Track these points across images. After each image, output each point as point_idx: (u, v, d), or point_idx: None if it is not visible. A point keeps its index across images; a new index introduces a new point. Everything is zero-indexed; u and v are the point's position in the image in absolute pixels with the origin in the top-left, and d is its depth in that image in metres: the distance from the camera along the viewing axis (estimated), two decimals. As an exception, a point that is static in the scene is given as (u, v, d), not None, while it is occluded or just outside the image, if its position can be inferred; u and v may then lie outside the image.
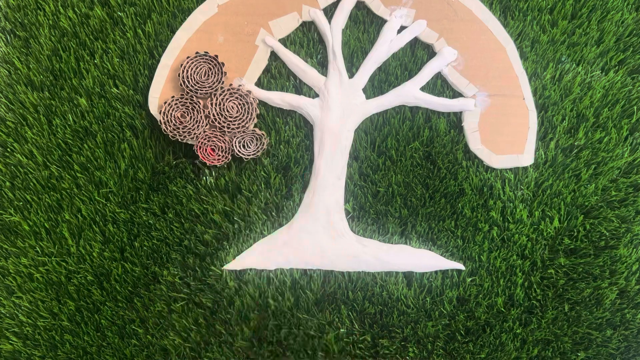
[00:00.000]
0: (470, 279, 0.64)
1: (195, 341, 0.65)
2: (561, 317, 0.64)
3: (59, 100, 0.64)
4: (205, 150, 0.61)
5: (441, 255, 0.64)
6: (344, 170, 0.63)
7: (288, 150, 0.64)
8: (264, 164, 0.64)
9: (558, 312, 0.64)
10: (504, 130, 0.63)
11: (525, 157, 0.63)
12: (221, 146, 0.61)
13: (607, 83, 0.64)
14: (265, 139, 0.62)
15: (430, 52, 0.64)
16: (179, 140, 0.61)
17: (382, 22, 0.64)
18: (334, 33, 0.62)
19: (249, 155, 0.62)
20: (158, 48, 0.64)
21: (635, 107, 0.64)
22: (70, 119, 0.64)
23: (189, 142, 0.62)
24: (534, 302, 0.64)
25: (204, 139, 0.61)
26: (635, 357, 0.64)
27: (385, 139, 0.64)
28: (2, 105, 0.65)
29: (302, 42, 0.64)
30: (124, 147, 0.64)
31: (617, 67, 0.65)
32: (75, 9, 0.65)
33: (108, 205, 0.64)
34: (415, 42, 0.64)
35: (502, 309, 0.64)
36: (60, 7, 0.65)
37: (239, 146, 0.62)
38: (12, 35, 0.65)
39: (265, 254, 0.63)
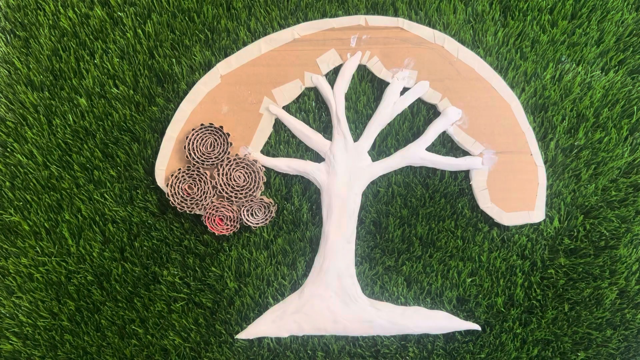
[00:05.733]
0: (470, 279, 0.64)
1: (195, 341, 0.65)
2: (561, 317, 0.64)
3: (59, 100, 0.64)
4: (214, 220, 0.61)
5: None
6: (353, 234, 0.63)
7: (288, 151, 0.64)
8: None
9: (558, 312, 0.64)
10: (513, 187, 0.62)
11: (536, 213, 0.63)
12: (229, 216, 0.61)
13: (607, 83, 0.64)
14: (272, 206, 0.62)
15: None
16: (187, 212, 0.61)
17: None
18: (337, 98, 0.62)
19: (257, 223, 0.62)
20: (158, 48, 0.64)
21: (635, 107, 0.64)
22: (70, 119, 0.64)
23: (197, 213, 0.62)
24: (534, 302, 0.64)
25: (212, 210, 0.61)
26: (635, 357, 0.64)
27: (385, 138, 0.64)
28: (2, 105, 0.65)
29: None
30: (123, 147, 0.64)
31: (617, 67, 0.65)
32: (75, 9, 0.65)
33: (108, 205, 0.64)
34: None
35: (502, 309, 0.64)
36: (60, 7, 0.65)
37: (247, 215, 0.62)
38: (12, 35, 0.65)
39: (277, 322, 0.63)
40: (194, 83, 0.63)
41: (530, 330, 0.64)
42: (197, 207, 0.61)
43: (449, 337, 0.64)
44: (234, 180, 0.61)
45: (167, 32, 0.64)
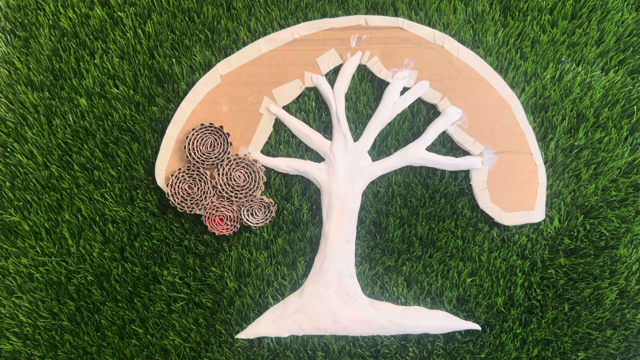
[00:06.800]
0: (470, 279, 0.64)
1: (195, 341, 0.65)
2: (561, 317, 0.64)
3: (59, 100, 0.64)
4: (214, 220, 0.61)
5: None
6: (353, 234, 0.63)
7: (288, 151, 0.64)
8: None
9: (558, 312, 0.64)
10: (513, 187, 0.63)
11: (536, 213, 0.63)
12: (229, 216, 0.61)
13: (607, 83, 0.64)
14: (273, 206, 0.62)
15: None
16: (187, 212, 0.61)
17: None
18: (337, 98, 0.62)
19: (257, 223, 0.62)
20: (158, 48, 0.64)
21: (635, 107, 0.64)
22: (70, 119, 0.64)
23: (197, 213, 0.62)
24: (534, 302, 0.64)
25: (212, 210, 0.61)
26: (635, 357, 0.64)
27: (385, 138, 0.64)
28: (2, 105, 0.65)
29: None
30: (123, 147, 0.64)
31: (617, 67, 0.65)
32: (75, 9, 0.65)
33: (108, 205, 0.64)
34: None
35: (502, 309, 0.64)
36: (60, 7, 0.65)
37: (247, 215, 0.62)
38: (12, 35, 0.65)
39: (277, 322, 0.63)
40: (194, 83, 0.63)
41: (530, 330, 0.64)
42: (197, 207, 0.61)
43: (449, 337, 0.64)
44: (234, 180, 0.61)
45: (167, 32, 0.64)
